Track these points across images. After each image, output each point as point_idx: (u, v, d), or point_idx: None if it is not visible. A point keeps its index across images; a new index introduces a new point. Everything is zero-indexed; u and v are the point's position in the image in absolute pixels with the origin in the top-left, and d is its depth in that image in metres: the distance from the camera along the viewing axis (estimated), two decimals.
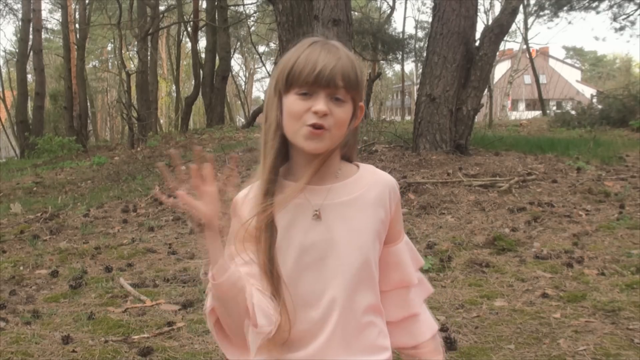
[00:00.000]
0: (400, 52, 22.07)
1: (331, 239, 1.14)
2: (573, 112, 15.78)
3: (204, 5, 20.69)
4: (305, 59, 1.10)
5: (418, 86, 8.18)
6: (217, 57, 19.00)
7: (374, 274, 1.18)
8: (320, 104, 1.09)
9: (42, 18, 23.50)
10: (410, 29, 37.79)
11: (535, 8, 20.59)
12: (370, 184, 1.18)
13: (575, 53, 57.30)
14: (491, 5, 27.79)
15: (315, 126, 1.09)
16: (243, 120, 27.73)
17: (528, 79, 35.20)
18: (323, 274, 1.14)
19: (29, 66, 24.05)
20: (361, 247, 1.15)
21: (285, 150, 1.16)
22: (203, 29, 20.91)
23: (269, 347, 1.15)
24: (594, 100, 19.51)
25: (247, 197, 1.18)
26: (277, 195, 1.14)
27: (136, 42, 19.94)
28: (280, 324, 1.12)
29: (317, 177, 1.15)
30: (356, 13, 22.08)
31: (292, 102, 1.11)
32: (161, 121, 29.71)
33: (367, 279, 1.16)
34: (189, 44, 24.43)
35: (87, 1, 22.55)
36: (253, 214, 1.13)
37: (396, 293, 1.25)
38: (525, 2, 18.94)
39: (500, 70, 33.47)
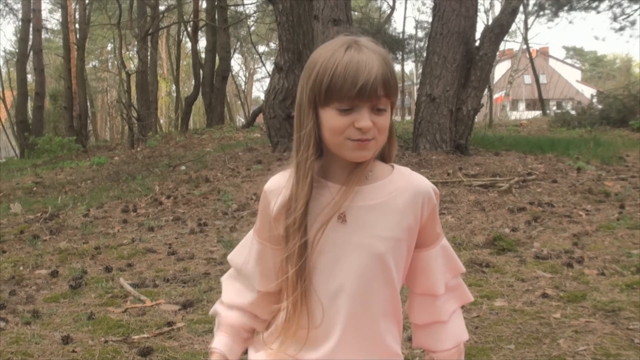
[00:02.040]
0: (400, 52, 22.07)
1: (351, 241, 1.12)
2: (573, 112, 15.77)
3: (204, 5, 20.68)
4: (344, 71, 1.05)
5: (418, 86, 8.19)
6: (217, 57, 19.00)
7: (394, 281, 1.15)
8: (364, 119, 1.07)
9: (42, 18, 23.52)
10: (410, 29, 37.84)
11: (535, 8, 20.59)
12: (401, 189, 1.15)
13: (575, 53, 57.30)
14: (491, 5, 27.83)
15: (361, 140, 1.08)
16: (243, 120, 27.72)
17: (528, 79, 35.19)
18: (338, 276, 1.13)
19: (29, 66, 24.07)
20: (380, 254, 1.12)
21: (319, 149, 1.14)
22: (203, 29, 20.90)
23: (287, 343, 1.16)
24: (594, 100, 19.52)
25: (282, 195, 1.15)
26: (316, 200, 1.13)
27: (136, 42, 19.94)
28: (297, 322, 1.13)
29: (348, 177, 1.13)
30: (356, 13, 22.08)
31: (333, 117, 1.08)
32: (161, 121, 29.71)
33: (385, 285, 1.14)
34: (189, 44, 24.43)
35: (87, 1, 22.55)
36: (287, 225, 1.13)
37: (423, 299, 1.23)
38: (525, 2, 18.94)
39: (500, 70, 33.48)
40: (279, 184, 1.17)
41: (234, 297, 1.24)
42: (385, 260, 1.13)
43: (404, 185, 1.15)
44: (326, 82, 1.07)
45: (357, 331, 1.13)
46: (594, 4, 17.92)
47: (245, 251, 1.23)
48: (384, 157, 1.19)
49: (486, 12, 26.43)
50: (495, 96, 25.80)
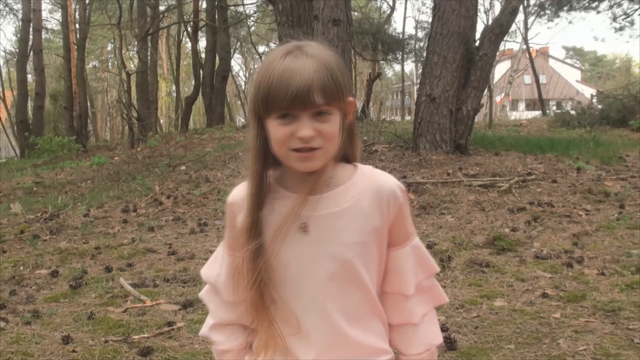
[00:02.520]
0: (400, 52, 22.07)
1: (316, 251, 1.11)
2: (573, 112, 15.79)
3: (204, 5, 20.69)
4: (278, 80, 1.03)
5: (418, 86, 8.19)
6: (217, 57, 19.01)
7: (366, 283, 1.14)
8: (303, 128, 1.04)
9: (42, 18, 23.52)
10: (410, 29, 37.81)
11: (535, 8, 20.59)
12: (364, 191, 1.13)
13: (575, 53, 57.35)
14: (491, 5, 27.84)
15: (303, 150, 1.05)
16: (243, 120, 27.76)
17: (528, 79, 35.21)
18: (308, 286, 1.12)
19: (29, 66, 24.09)
20: (347, 260, 1.11)
21: (274, 156, 1.13)
22: (203, 29, 20.92)
23: (270, 352, 1.16)
24: (594, 100, 19.53)
25: (244, 206, 1.15)
26: (268, 206, 1.12)
27: (136, 42, 19.95)
28: (268, 333, 1.14)
29: (301, 187, 1.10)
30: (356, 13, 22.09)
31: (274, 128, 1.06)
32: (161, 121, 29.72)
33: (356, 289, 1.13)
34: (189, 44, 24.45)
35: (87, 1, 22.56)
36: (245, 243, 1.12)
37: (395, 298, 1.21)
38: (525, 2, 18.94)
39: (500, 70, 33.49)
40: (241, 196, 1.16)
41: (222, 313, 1.23)
42: (353, 266, 1.11)
43: (367, 187, 1.13)
44: (263, 92, 1.05)
45: (337, 336, 1.13)
46: (594, 4, 17.92)
47: (217, 265, 1.23)
48: (347, 158, 1.17)
49: (486, 12, 26.47)
50: (497, 99, 25.85)
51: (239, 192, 1.17)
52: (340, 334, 1.13)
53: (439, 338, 1.23)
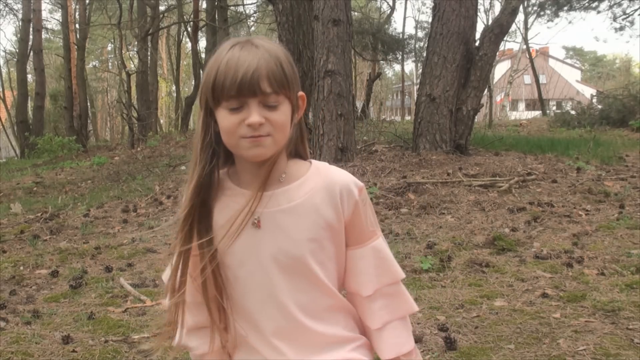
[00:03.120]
0: (400, 52, 22.08)
1: (268, 248, 1.10)
2: (573, 112, 15.80)
3: (204, 5, 20.69)
4: (225, 68, 1.03)
5: (418, 86, 8.19)
6: None
7: (322, 280, 1.12)
8: (252, 115, 1.03)
9: (42, 18, 23.51)
10: (410, 29, 37.84)
11: (535, 8, 20.61)
12: (317, 188, 1.11)
13: (575, 53, 57.38)
14: (491, 5, 27.88)
15: (254, 137, 1.04)
16: None
17: (528, 79, 35.22)
18: (262, 283, 1.11)
19: (29, 66, 24.08)
20: (298, 257, 1.10)
21: (228, 153, 1.13)
22: (203, 29, 20.91)
23: (235, 350, 1.18)
24: (594, 100, 19.56)
25: None
26: (221, 203, 1.12)
27: (136, 42, 19.95)
28: (222, 332, 1.16)
29: (254, 182, 1.10)
30: (356, 13, 22.08)
31: (224, 117, 1.05)
32: (161, 121, 29.72)
33: (312, 285, 1.12)
34: (189, 44, 24.44)
35: (87, 1, 22.57)
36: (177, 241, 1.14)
37: (355, 298, 1.19)
38: (525, 2, 18.95)
39: (500, 70, 33.49)
40: None
41: (191, 318, 1.22)
42: (305, 263, 1.10)
43: (320, 183, 1.12)
44: (211, 82, 1.05)
45: (297, 328, 1.12)
46: (594, 4, 17.94)
47: None
48: (300, 154, 1.17)
49: (486, 12, 26.49)
50: (497, 98, 25.83)
51: None
52: (300, 326, 1.12)
53: (408, 345, 1.18)
